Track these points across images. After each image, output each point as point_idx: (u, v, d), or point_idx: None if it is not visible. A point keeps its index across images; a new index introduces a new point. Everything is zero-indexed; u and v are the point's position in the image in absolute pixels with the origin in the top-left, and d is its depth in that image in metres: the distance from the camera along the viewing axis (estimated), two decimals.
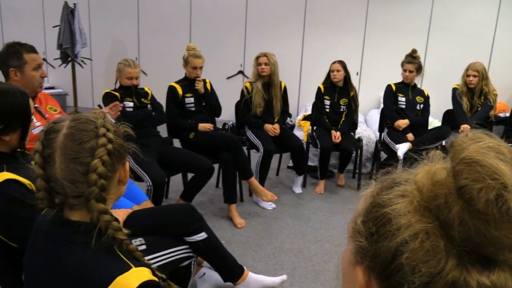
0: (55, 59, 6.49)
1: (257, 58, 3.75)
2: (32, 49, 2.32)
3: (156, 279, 0.94)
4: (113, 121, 1.03)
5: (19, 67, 2.26)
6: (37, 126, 2.27)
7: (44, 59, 7.00)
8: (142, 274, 0.91)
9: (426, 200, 0.51)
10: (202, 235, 1.88)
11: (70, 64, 6.40)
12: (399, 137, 3.83)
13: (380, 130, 4.21)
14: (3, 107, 1.44)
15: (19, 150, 1.58)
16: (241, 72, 6.54)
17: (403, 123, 3.89)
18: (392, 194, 0.55)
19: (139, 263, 0.95)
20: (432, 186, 0.52)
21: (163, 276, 1.00)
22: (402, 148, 3.65)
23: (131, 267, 0.91)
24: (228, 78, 6.56)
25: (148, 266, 0.95)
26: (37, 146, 0.95)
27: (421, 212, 0.51)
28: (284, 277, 2.37)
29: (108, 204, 0.96)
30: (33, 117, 2.16)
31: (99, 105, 2.75)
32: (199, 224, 1.89)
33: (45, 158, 0.94)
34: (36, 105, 2.40)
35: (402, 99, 3.99)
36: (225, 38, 6.50)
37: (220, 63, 6.41)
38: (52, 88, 7.02)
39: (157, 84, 4.86)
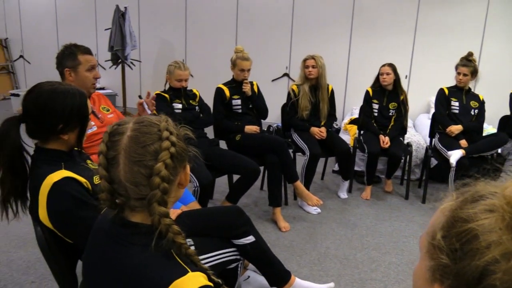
0: (106, 60, 6.72)
1: (305, 60, 3.70)
2: (86, 51, 2.38)
3: (211, 284, 0.93)
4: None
5: (74, 67, 2.33)
6: (91, 125, 2.33)
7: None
8: (198, 279, 0.91)
9: None
10: (250, 238, 1.86)
11: (120, 66, 6.61)
12: (452, 143, 3.67)
13: (431, 135, 4.06)
14: (63, 107, 1.48)
15: (76, 149, 1.63)
16: (286, 74, 6.52)
17: (456, 129, 3.72)
18: (477, 209, 0.51)
19: (196, 267, 0.94)
20: None
21: (219, 281, 0.99)
22: (454, 155, 3.49)
23: (187, 272, 0.91)
24: (273, 80, 6.55)
25: (204, 271, 0.94)
26: (101, 147, 0.96)
27: None
28: (331, 284, 2.32)
29: (168, 207, 0.96)
30: None
31: (139, 96, 2.82)
32: (247, 227, 1.87)
33: (109, 160, 0.95)
34: (90, 105, 2.47)
35: (455, 103, 3.82)
36: (271, 40, 6.50)
37: (266, 65, 6.41)
38: (103, 88, 7.27)
39: (203, 86, 4.91)
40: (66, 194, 1.41)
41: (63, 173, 1.44)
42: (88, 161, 1.69)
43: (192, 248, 1.66)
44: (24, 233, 2.99)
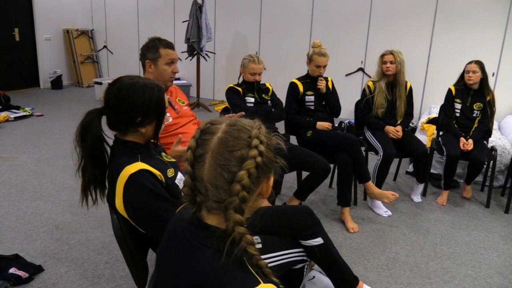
0: (182, 52, 6.90)
1: (382, 56, 3.53)
2: (168, 45, 2.44)
3: None
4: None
5: (154, 60, 2.40)
6: (167, 117, 2.40)
7: None
8: None
9: None
10: (318, 240, 1.82)
11: (195, 57, 6.77)
12: None
13: None
14: (142, 100, 1.52)
15: (152, 141, 1.67)
16: (361, 69, 6.31)
17: None
18: None
19: (267, 279, 0.91)
20: None
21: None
22: None
23: (260, 283, 0.88)
24: (347, 75, 6.38)
25: (276, 284, 0.92)
26: (191, 143, 0.96)
27: None
28: None
29: (244, 216, 0.94)
30: None
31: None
32: (316, 229, 1.83)
33: (196, 157, 0.94)
34: (167, 97, 2.54)
35: None
36: (346, 33, 6.32)
37: (340, 60, 6.26)
38: (178, 79, 7.50)
39: (275, 79, 4.89)
40: (142, 186, 1.45)
41: (139, 165, 1.48)
42: (163, 154, 1.73)
43: (259, 246, 1.65)
44: (102, 214, 3.16)
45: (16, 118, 5.89)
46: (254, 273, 0.90)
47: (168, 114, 2.45)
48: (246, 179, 0.89)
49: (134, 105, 1.51)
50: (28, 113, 6.11)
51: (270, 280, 0.90)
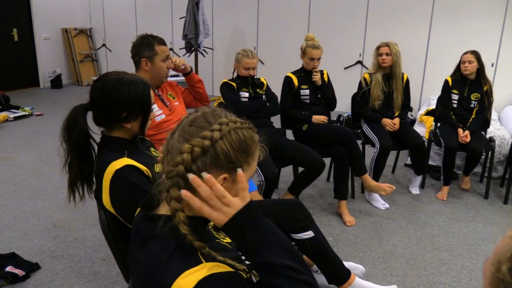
0: (180, 48, 6.91)
1: (378, 48, 3.52)
2: (162, 42, 2.46)
3: (230, 269, 0.90)
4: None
5: (150, 57, 2.40)
6: (157, 115, 2.39)
7: (171, 49, 7.50)
8: (211, 269, 0.88)
9: None
10: (309, 233, 1.81)
11: (193, 53, 6.77)
12: None
13: None
14: (127, 96, 1.52)
15: (139, 136, 1.67)
16: (359, 62, 6.29)
17: None
18: None
19: (213, 260, 0.91)
20: None
21: (244, 267, 0.96)
22: None
23: (201, 262, 0.89)
24: (345, 68, 6.35)
25: (223, 262, 0.91)
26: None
27: None
28: (394, 287, 2.20)
29: (184, 193, 0.91)
30: (154, 105, 2.30)
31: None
32: (306, 222, 1.82)
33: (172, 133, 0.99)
34: (159, 93, 2.53)
35: None
36: (344, 26, 6.29)
37: (338, 53, 6.23)
38: (177, 76, 7.48)
39: (274, 74, 4.88)
40: (127, 181, 1.45)
41: (125, 161, 1.48)
42: (152, 149, 1.73)
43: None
44: None
45: (16, 118, 5.92)
46: (199, 254, 0.90)
47: (161, 111, 2.45)
48: (187, 154, 0.88)
49: (119, 101, 1.51)
50: (28, 113, 6.13)
51: (216, 259, 0.90)
